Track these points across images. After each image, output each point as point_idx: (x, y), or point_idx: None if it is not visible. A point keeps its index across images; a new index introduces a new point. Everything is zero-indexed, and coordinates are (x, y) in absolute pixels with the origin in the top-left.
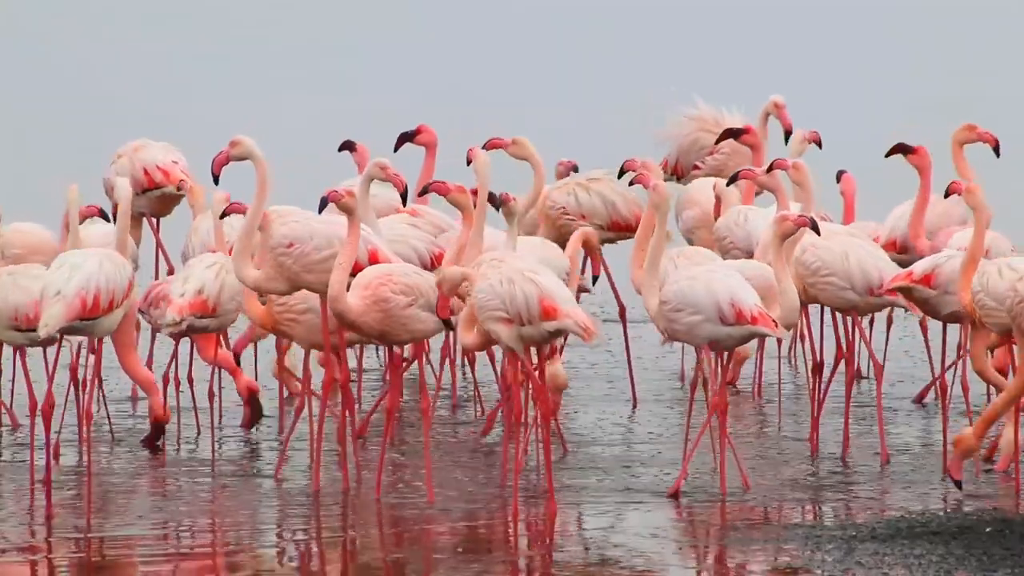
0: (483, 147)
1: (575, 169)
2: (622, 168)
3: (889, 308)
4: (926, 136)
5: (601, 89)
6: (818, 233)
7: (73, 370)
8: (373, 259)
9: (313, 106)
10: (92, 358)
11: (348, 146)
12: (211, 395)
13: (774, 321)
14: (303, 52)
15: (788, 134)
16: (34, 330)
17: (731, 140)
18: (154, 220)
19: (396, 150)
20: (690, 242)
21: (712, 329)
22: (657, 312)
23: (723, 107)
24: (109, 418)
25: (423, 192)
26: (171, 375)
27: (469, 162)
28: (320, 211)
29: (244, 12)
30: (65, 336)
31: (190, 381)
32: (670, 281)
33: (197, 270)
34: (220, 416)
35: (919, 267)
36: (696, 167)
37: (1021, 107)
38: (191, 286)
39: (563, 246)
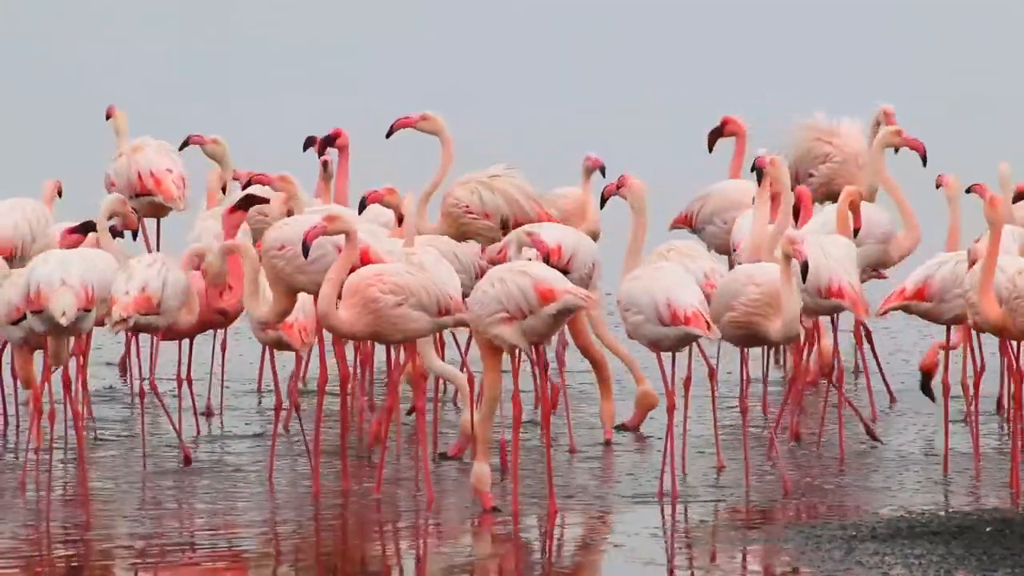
0: (390, 128)
1: (602, 170)
2: (603, 196)
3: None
4: (925, 136)
5: (601, 89)
6: (803, 280)
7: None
8: (364, 258)
9: (313, 106)
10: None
11: (310, 142)
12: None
13: (707, 323)
14: (303, 52)
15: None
16: (23, 319)
17: (841, 147)
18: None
19: (320, 154)
20: (718, 248)
21: (651, 329)
22: (620, 312)
23: (838, 117)
24: (92, 418)
25: (361, 209)
26: (183, 376)
27: (400, 221)
28: (306, 256)
29: (244, 12)
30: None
31: (189, 383)
32: (622, 281)
33: (139, 268)
34: (221, 418)
35: (910, 282)
36: (811, 175)
37: (1021, 107)
38: (135, 284)
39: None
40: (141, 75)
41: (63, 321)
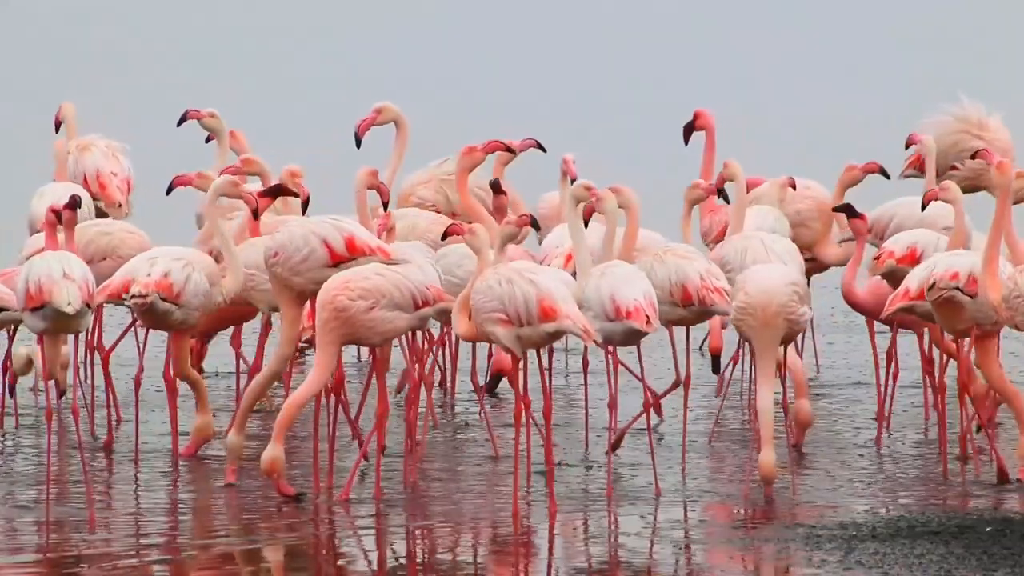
0: (356, 137)
1: (573, 180)
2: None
3: None
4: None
5: (602, 90)
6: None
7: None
8: (351, 246)
9: (312, 106)
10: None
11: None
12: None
13: (647, 318)
14: (303, 52)
15: None
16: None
17: (991, 142)
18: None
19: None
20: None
21: (601, 326)
22: None
23: (985, 109)
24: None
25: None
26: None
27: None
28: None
29: (244, 13)
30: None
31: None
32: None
33: (164, 258)
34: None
35: (913, 283)
36: (954, 168)
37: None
38: (158, 268)
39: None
40: (141, 74)
41: (69, 310)
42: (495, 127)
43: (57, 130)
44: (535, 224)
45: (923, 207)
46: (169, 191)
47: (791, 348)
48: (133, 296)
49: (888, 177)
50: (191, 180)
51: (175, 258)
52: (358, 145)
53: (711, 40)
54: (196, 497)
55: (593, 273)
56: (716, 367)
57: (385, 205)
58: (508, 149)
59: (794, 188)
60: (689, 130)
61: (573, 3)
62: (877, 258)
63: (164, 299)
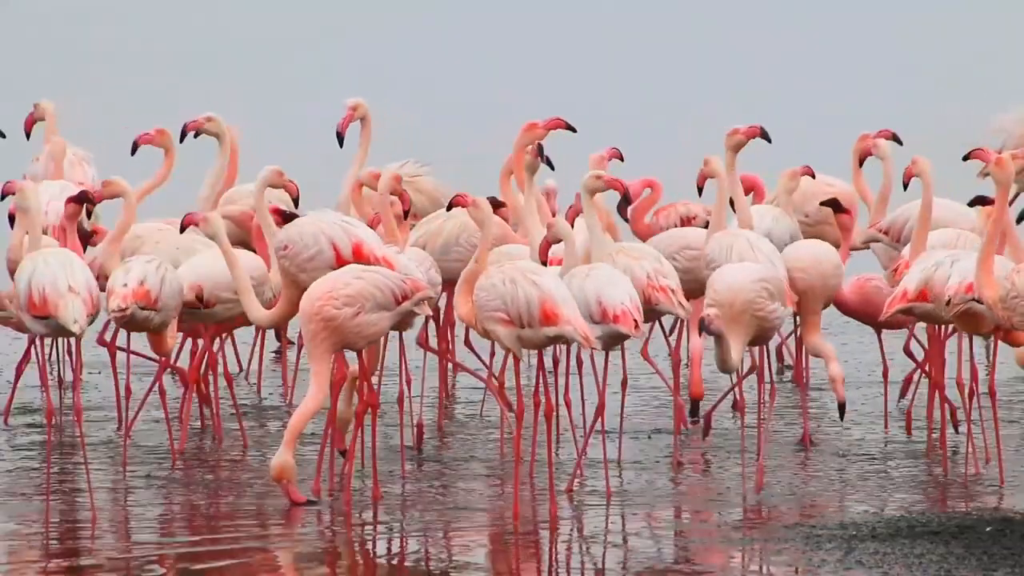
0: (338, 137)
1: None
2: (544, 255)
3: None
4: (932, 150)
5: (602, 90)
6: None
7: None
8: (357, 252)
9: (312, 106)
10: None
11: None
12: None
13: (636, 322)
14: (303, 52)
15: None
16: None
17: None
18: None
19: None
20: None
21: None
22: None
23: None
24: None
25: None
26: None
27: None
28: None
29: (244, 13)
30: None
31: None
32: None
33: (137, 264)
34: (216, 417)
35: (911, 284)
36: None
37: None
38: (133, 276)
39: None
40: (141, 75)
41: (75, 329)
42: (495, 127)
43: (28, 135)
44: (541, 154)
45: (904, 186)
46: (92, 205)
47: (818, 337)
48: (112, 312)
49: (901, 144)
50: (101, 196)
51: (146, 261)
52: (340, 144)
53: (711, 40)
54: (198, 499)
55: (577, 274)
56: (695, 412)
57: (406, 214)
58: (569, 127)
59: (813, 176)
60: (624, 205)
61: (573, 3)
62: (895, 270)
63: (143, 307)
